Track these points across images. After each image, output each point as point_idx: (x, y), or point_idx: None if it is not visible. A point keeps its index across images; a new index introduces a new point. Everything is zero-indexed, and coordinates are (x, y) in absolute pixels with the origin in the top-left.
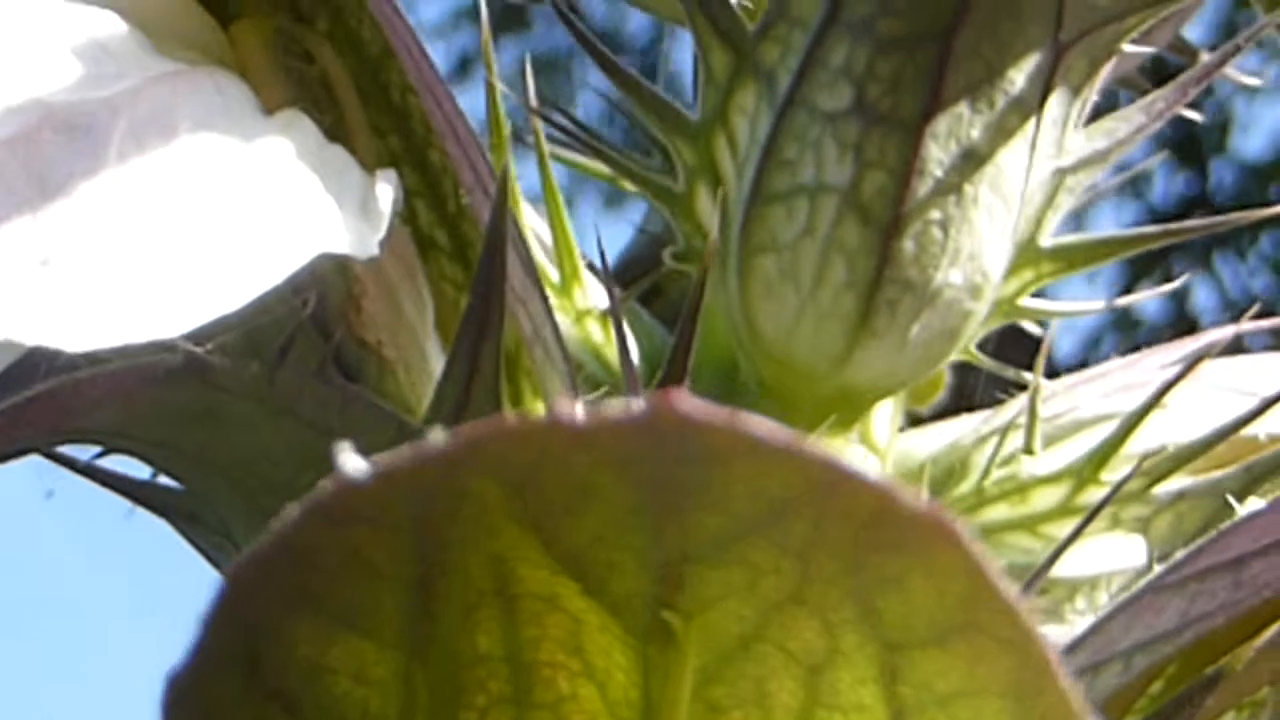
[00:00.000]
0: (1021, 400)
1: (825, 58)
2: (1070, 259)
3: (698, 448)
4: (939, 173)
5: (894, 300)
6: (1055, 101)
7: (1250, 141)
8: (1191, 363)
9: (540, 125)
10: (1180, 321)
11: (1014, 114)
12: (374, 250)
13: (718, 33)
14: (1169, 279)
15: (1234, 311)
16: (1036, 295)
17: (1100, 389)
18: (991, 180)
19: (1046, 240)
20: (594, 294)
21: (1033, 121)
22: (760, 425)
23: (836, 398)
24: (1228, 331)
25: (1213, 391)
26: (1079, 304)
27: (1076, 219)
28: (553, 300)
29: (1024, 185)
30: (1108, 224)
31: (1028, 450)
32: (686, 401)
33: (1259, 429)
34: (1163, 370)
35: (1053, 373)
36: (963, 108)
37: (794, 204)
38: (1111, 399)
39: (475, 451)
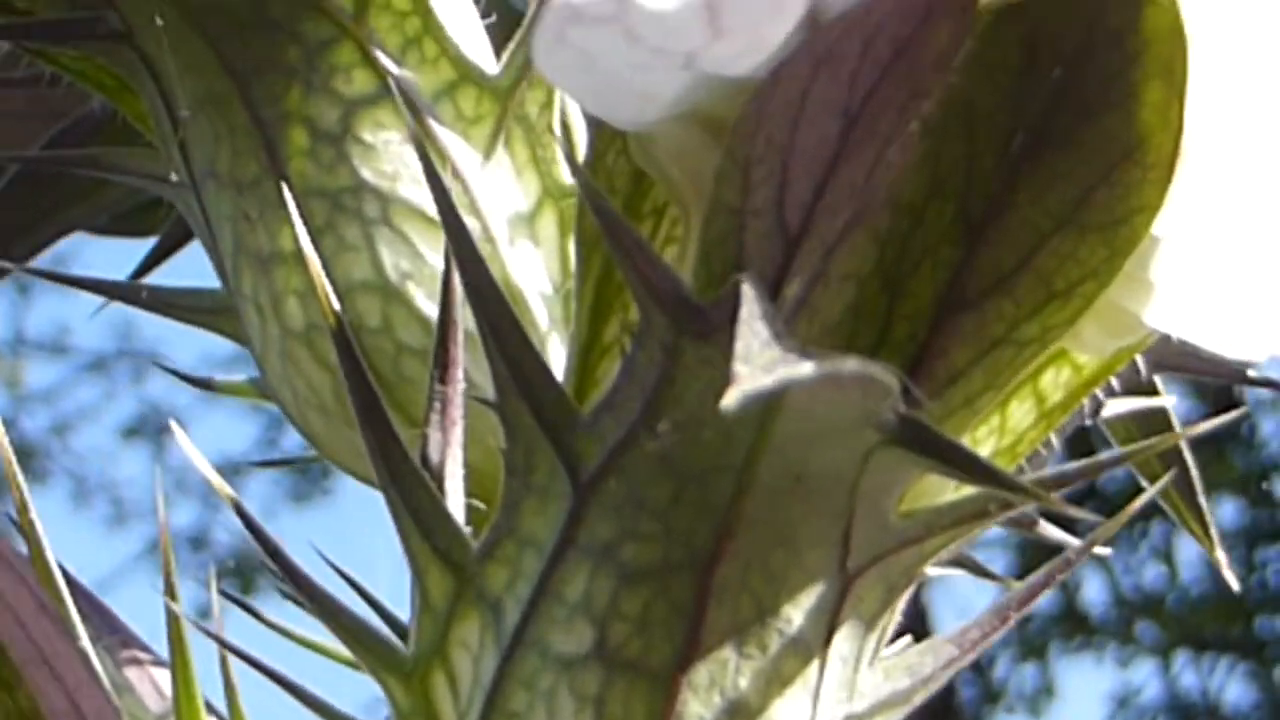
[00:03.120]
0: None
1: (560, 589)
2: None
3: None
4: None
5: None
6: (843, 638)
7: None
8: None
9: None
10: (1071, 614)
11: (791, 658)
12: None
13: (434, 550)
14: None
15: (1125, 606)
16: None
17: None
18: None
19: None
20: None
21: (815, 665)
22: None
23: None
24: None
25: None
26: None
27: None
28: None
29: None
30: None
31: None
32: None
33: None
34: None
35: None
36: (728, 652)
37: None
38: None
39: None
